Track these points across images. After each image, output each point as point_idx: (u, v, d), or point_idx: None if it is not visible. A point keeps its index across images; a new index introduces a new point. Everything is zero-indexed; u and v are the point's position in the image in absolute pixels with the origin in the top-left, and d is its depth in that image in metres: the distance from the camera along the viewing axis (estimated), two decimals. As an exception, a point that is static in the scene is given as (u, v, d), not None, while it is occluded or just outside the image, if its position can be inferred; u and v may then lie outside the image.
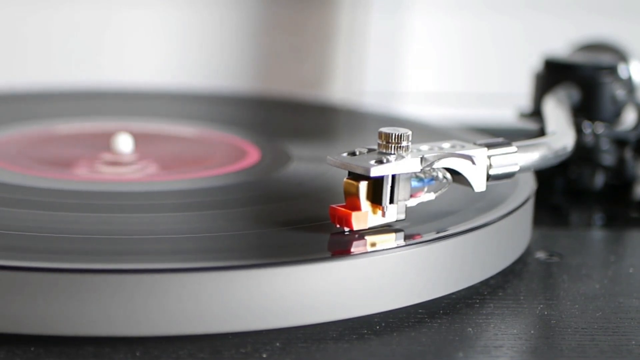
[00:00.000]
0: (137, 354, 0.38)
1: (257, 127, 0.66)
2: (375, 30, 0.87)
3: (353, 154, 0.44)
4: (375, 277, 0.41)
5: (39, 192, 0.49)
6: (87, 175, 0.52)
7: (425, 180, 0.45)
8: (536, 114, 0.61)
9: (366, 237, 0.43)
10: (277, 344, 0.39)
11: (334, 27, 0.89)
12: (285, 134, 0.63)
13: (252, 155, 0.56)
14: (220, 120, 0.66)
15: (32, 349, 0.38)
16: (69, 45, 0.86)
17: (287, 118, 0.69)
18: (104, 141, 0.57)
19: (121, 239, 0.42)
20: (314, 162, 0.55)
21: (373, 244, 0.42)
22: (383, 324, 0.41)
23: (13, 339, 0.39)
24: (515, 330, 0.42)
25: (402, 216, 0.44)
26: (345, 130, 0.70)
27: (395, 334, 0.41)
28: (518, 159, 0.46)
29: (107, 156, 0.55)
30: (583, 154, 0.59)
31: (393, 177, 0.43)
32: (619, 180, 0.60)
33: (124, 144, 0.56)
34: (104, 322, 0.39)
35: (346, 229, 0.43)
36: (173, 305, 0.39)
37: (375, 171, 0.42)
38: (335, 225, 0.43)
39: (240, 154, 0.57)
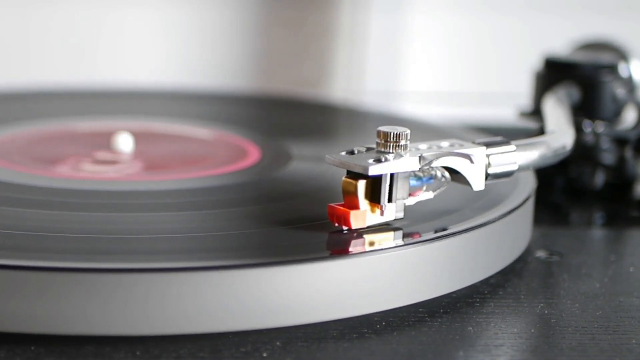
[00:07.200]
0: (138, 353, 0.38)
1: (258, 126, 0.66)
2: (376, 29, 0.87)
3: (352, 152, 0.44)
4: (375, 276, 0.41)
5: (38, 191, 0.49)
6: (87, 175, 0.52)
7: (424, 179, 0.45)
8: (536, 113, 0.61)
9: (365, 236, 0.43)
10: (278, 343, 0.39)
11: (334, 26, 0.89)
12: (285, 133, 0.63)
13: (253, 154, 0.56)
14: (220, 120, 0.66)
15: (33, 348, 0.38)
16: (68, 45, 0.86)
17: (288, 117, 0.69)
18: (104, 140, 0.57)
19: (121, 238, 0.42)
20: (314, 161, 0.55)
21: (371, 243, 0.42)
22: (383, 323, 0.41)
23: (13, 338, 0.39)
24: (515, 329, 0.42)
25: (401, 215, 0.44)
26: (345, 129, 0.70)
27: (395, 333, 0.41)
28: (517, 157, 0.46)
29: (98, 155, 0.55)
30: (583, 152, 0.59)
31: (391, 175, 0.43)
32: (619, 179, 0.60)
33: (124, 143, 0.56)
34: (104, 322, 0.39)
35: (345, 228, 0.43)
36: (173, 304, 0.39)
37: (374, 170, 0.42)
38: (334, 224, 0.43)
39: (241, 153, 0.57)
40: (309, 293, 0.40)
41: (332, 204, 0.43)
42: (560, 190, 0.60)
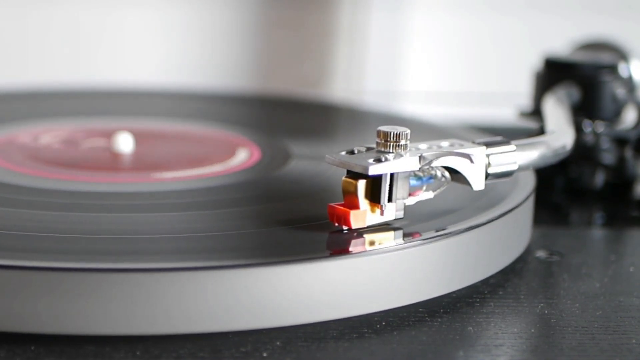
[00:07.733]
0: (138, 352, 0.38)
1: (258, 126, 0.66)
2: (376, 29, 0.87)
3: (352, 152, 0.44)
4: (375, 276, 0.41)
5: (39, 192, 0.49)
6: (87, 176, 0.52)
7: (424, 178, 0.45)
8: (536, 113, 0.61)
9: (365, 236, 0.43)
10: (278, 343, 0.39)
11: (334, 25, 0.89)
12: (285, 132, 0.63)
13: (253, 154, 0.56)
14: (220, 119, 0.66)
15: (33, 348, 0.38)
16: (68, 45, 0.86)
17: (288, 117, 0.69)
18: (104, 140, 0.57)
19: (121, 238, 0.42)
20: (314, 161, 0.55)
21: (371, 243, 0.42)
22: (383, 323, 0.41)
23: (13, 337, 0.39)
24: (515, 329, 0.42)
25: (401, 215, 0.44)
26: (345, 129, 0.70)
27: (395, 333, 0.41)
28: (517, 157, 0.46)
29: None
30: (583, 152, 0.59)
31: (391, 175, 0.43)
32: (619, 179, 0.60)
33: (124, 143, 0.56)
34: (104, 321, 0.39)
35: (345, 228, 0.43)
36: (173, 304, 0.39)
37: (374, 169, 0.42)
38: (334, 224, 0.43)
39: (241, 153, 0.56)
40: (309, 293, 0.40)
41: (332, 204, 0.43)
42: (560, 190, 0.60)
